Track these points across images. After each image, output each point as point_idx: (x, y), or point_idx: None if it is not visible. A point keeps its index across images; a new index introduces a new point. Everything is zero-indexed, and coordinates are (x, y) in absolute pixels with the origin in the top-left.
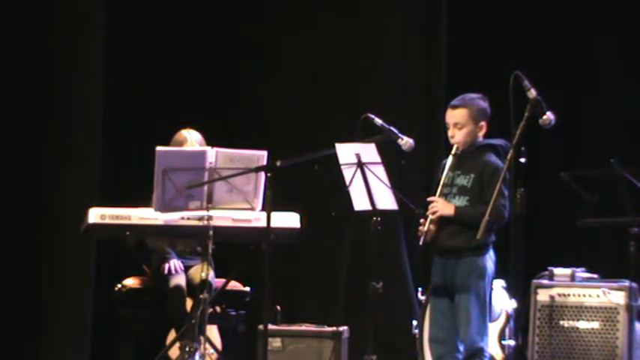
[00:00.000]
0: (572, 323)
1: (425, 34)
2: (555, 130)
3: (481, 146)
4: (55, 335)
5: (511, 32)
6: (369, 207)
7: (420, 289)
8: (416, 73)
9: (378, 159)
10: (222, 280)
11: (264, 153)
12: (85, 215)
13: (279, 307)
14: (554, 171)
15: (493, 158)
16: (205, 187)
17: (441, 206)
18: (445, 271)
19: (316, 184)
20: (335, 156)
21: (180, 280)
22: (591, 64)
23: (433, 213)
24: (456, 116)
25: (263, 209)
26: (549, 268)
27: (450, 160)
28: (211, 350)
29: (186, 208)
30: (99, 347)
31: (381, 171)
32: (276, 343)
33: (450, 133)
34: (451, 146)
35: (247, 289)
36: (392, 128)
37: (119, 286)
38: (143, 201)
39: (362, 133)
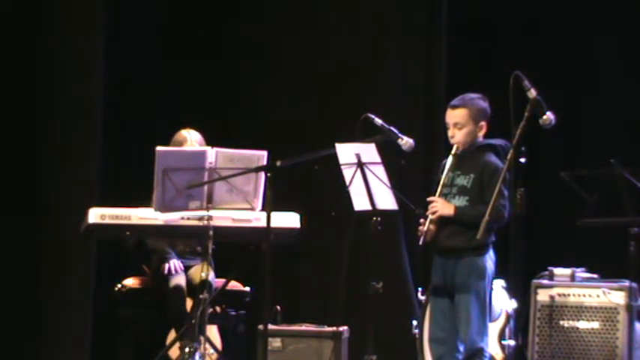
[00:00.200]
0: (572, 323)
1: (425, 34)
2: (555, 130)
3: (481, 146)
4: (55, 335)
5: (511, 32)
6: (369, 207)
7: (420, 289)
8: (416, 73)
9: (378, 159)
10: (222, 280)
11: (264, 153)
12: (85, 215)
13: (279, 307)
14: (554, 171)
15: (493, 158)
16: (205, 187)
17: (440, 206)
18: (445, 271)
19: (316, 184)
20: (335, 156)
21: (180, 280)
22: (591, 64)
23: (433, 213)
24: (455, 116)
25: (263, 209)
26: (549, 268)
27: (450, 160)
28: (211, 350)
29: (186, 208)
30: (99, 347)
31: (381, 171)
32: (276, 343)
33: (450, 133)
34: (451, 146)
35: (247, 289)
36: (392, 128)
37: (119, 286)
38: (143, 201)
39: (362, 133)
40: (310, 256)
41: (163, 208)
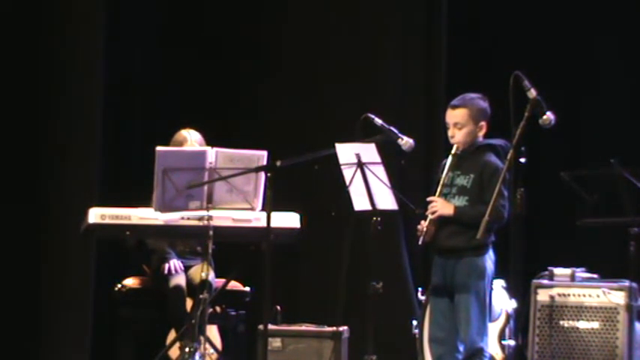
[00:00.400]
0: (572, 323)
1: (425, 34)
2: (555, 130)
3: (481, 146)
4: (55, 335)
5: (511, 32)
6: (369, 207)
7: (420, 289)
8: (416, 73)
9: (378, 159)
10: (222, 280)
11: (264, 153)
12: (85, 215)
13: (279, 307)
14: (554, 171)
15: (493, 158)
16: (205, 187)
17: (440, 206)
18: (445, 271)
19: (316, 184)
20: (335, 156)
21: (180, 280)
22: (591, 64)
23: (433, 213)
24: (456, 116)
25: (263, 209)
26: (549, 268)
27: (449, 160)
28: (211, 350)
29: (186, 208)
30: (99, 347)
31: (381, 171)
32: (276, 343)
33: (450, 133)
34: (451, 146)
35: (247, 289)
36: (392, 128)
37: (119, 286)
38: (143, 201)
39: (362, 133)
40: (310, 256)
41: (163, 208)
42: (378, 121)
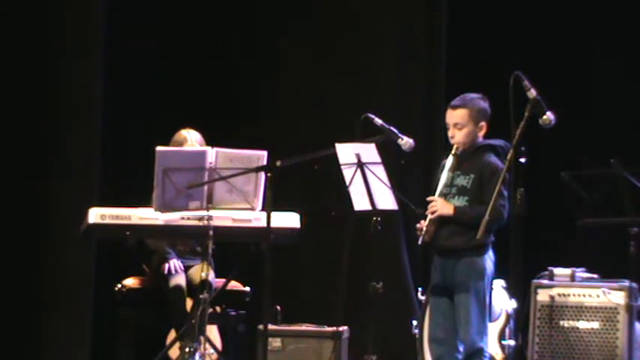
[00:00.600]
0: (572, 323)
1: (425, 34)
2: (555, 130)
3: (481, 146)
4: (55, 335)
5: (511, 32)
6: (369, 207)
7: (420, 289)
8: (416, 73)
9: (378, 159)
10: (222, 280)
11: (264, 153)
12: (85, 215)
13: (279, 307)
14: (554, 171)
15: (493, 159)
16: (205, 187)
17: (440, 206)
18: (445, 271)
19: (316, 184)
20: (335, 156)
21: (180, 280)
22: (591, 64)
23: (432, 213)
24: (456, 116)
25: (263, 209)
26: (549, 268)
27: (449, 160)
28: (211, 350)
29: (186, 208)
30: (99, 347)
31: (381, 171)
32: (276, 343)
33: (450, 133)
34: (451, 146)
35: (247, 289)
36: (392, 128)
37: (119, 286)
38: (143, 201)
39: (362, 133)
40: (310, 256)
41: (163, 208)
42: (378, 121)
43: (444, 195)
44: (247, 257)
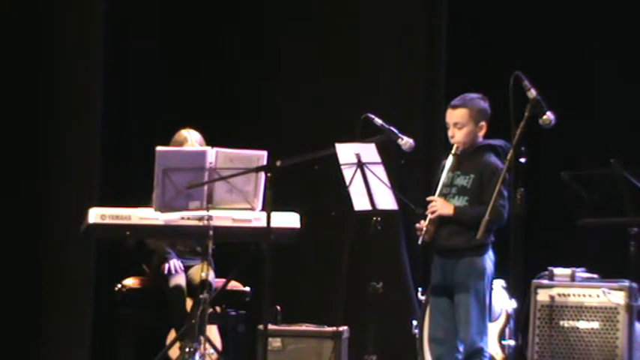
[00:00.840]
0: (572, 323)
1: (425, 34)
2: (555, 130)
3: (481, 146)
4: (56, 335)
5: (511, 32)
6: (369, 207)
7: (420, 289)
8: (416, 73)
9: (378, 159)
10: (222, 280)
11: (264, 153)
12: (85, 215)
13: (279, 307)
14: (554, 171)
15: (493, 159)
16: (205, 187)
17: (440, 206)
18: (444, 271)
19: (316, 184)
20: (335, 156)
21: (180, 280)
22: (591, 64)
23: (432, 213)
24: (456, 116)
25: (263, 209)
26: (549, 268)
27: (449, 160)
28: (211, 350)
29: (186, 208)
30: (99, 347)
31: (381, 171)
32: (276, 343)
33: (450, 133)
34: (451, 146)
35: (247, 289)
36: (392, 128)
37: (119, 286)
38: (143, 201)
39: (362, 133)
40: (310, 256)
41: (163, 208)
42: (378, 121)
43: (444, 195)
44: (247, 257)
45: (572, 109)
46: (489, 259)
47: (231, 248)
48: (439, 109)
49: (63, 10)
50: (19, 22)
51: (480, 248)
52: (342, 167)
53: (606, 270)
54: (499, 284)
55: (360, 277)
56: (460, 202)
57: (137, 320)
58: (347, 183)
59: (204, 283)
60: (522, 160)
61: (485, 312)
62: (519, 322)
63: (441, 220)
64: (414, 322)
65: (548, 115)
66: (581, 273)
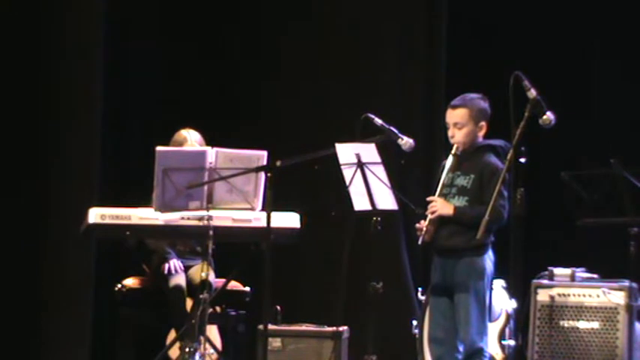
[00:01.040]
0: (572, 323)
1: (425, 34)
2: (555, 130)
3: (481, 147)
4: (56, 335)
5: (511, 32)
6: (369, 207)
7: (420, 289)
8: (416, 73)
9: (378, 159)
10: (222, 280)
11: (264, 153)
12: (85, 215)
13: (279, 307)
14: (554, 171)
15: (493, 159)
16: (205, 187)
17: (440, 206)
18: (444, 271)
19: (316, 184)
20: (335, 156)
21: (180, 280)
22: (591, 64)
23: (432, 213)
24: (456, 116)
25: (263, 209)
26: (549, 268)
27: (450, 160)
28: (211, 350)
29: (186, 208)
30: (99, 347)
31: (381, 171)
32: (276, 343)
33: (450, 133)
34: (451, 146)
35: (247, 289)
36: (392, 128)
37: (119, 286)
38: (143, 201)
39: (362, 133)
40: (310, 256)
41: (163, 208)
42: (378, 121)
43: (444, 195)
44: (247, 257)
45: (572, 109)
46: (489, 259)
47: (231, 248)
48: (439, 109)
49: (63, 10)
50: (19, 22)
51: (479, 248)
52: (342, 167)
53: (606, 270)
54: (499, 284)
55: (360, 277)
56: (460, 202)
57: (137, 320)
58: (347, 183)
59: (204, 283)
60: (522, 160)
61: (485, 312)
62: (519, 322)
63: (441, 220)
64: (414, 322)
65: (548, 115)
66: (581, 273)
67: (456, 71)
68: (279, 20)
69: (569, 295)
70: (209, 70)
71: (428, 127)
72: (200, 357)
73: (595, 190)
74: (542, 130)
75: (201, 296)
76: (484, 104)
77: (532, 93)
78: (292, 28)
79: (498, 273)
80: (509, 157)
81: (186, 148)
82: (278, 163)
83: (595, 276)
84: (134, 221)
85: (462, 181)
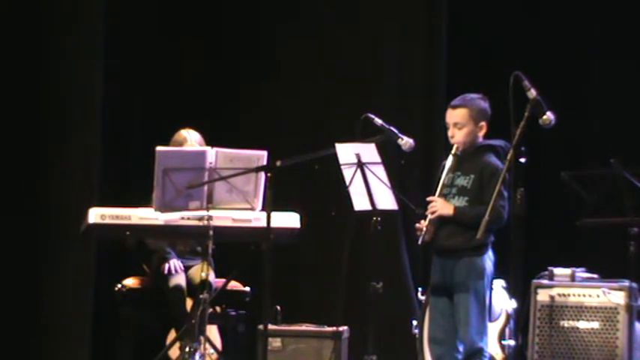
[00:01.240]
0: (572, 323)
1: (425, 33)
2: (555, 130)
3: (481, 147)
4: (56, 335)
5: (511, 32)
6: (369, 207)
7: (420, 289)
8: (416, 73)
9: (378, 159)
10: (222, 280)
11: (264, 153)
12: (85, 215)
13: (279, 307)
14: (554, 171)
15: (493, 159)
16: (205, 187)
17: (440, 206)
18: (444, 271)
19: (316, 184)
20: (335, 156)
21: (180, 280)
22: (591, 64)
23: (432, 213)
24: (456, 116)
25: (263, 209)
26: (549, 268)
27: (449, 160)
28: (211, 350)
29: (186, 208)
30: (99, 347)
31: (381, 171)
32: (276, 343)
33: (450, 133)
34: (451, 146)
35: (247, 289)
36: (392, 128)
37: (119, 286)
38: (143, 201)
39: (362, 133)
40: (310, 256)
41: (163, 208)
42: (378, 121)
43: (444, 195)
44: (247, 257)
45: (572, 109)
46: (489, 259)
47: (231, 248)
48: (439, 109)
49: (63, 10)
50: (19, 22)
51: (479, 248)
52: (342, 167)
53: (606, 270)
54: (499, 284)
55: (360, 277)
56: (460, 202)
57: (137, 320)
58: (347, 183)
59: (204, 283)
60: (522, 160)
61: (485, 312)
62: (519, 322)
63: (440, 221)
64: (414, 322)
65: (548, 115)
66: (581, 273)
67: (456, 71)
68: (279, 20)
69: (569, 295)
70: (209, 70)
71: (428, 127)
72: (200, 357)
73: (595, 190)
74: (542, 130)
75: (201, 296)
76: (484, 104)
77: (532, 93)
78: (292, 28)
79: (498, 273)
80: (509, 157)
81: (186, 148)
82: (278, 163)
83: (595, 276)
84: (134, 221)
85: (462, 181)
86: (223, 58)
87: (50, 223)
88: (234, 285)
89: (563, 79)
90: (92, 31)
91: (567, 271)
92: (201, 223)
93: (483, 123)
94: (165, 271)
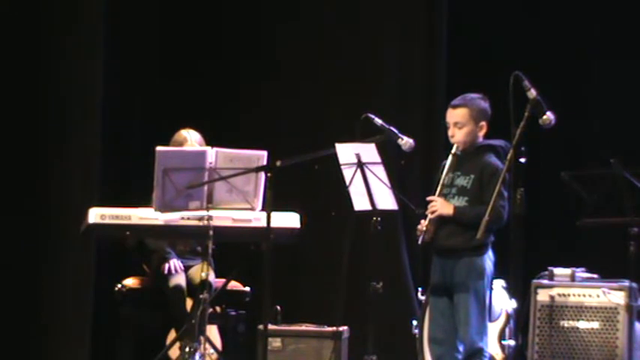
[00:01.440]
0: (572, 323)
1: (425, 34)
2: (555, 130)
3: (481, 147)
4: (56, 335)
5: (511, 32)
6: (369, 207)
7: (420, 289)
8: (416, 73)
9: (378, 159)
10: (222, 280)
11: (264, 153)
12: (85, 215)
13: (279, 307)
14: (554, 171)
15: (493, 159)
16: (205, 187)
17: (440, 206)
18: (444, 271)
19: (316, 184)
20: (335, 156)
21: (180, 280)
22: (591, 64)
23: (432, 213)
24: (456, 116)
25: (263, 209)
26: (549, 268)
27: (449, 160)
28: (211, 350)
29: (186, 208)
30: (99, 347)
31: (381, 171)
32: (276, 343)
33: (450, 132)
34: (451, 146)
35: (247, 289)
36: (392, 128)
37: (119, 286)
38: (143, 201)
39: (362, 133)
40: (310, 256)
41: (163, 208)
42: (378, 121)
43: (444, 195)
44: (247, 257)
45: (572, 109)
46: (489, 259)
47: (231, 248)
48: (439, 109)
49: (63, 10)
50: (19, 22)
51: (479, 248)
52: (342, 167)
53: (606, 270)
54: (499, 284)
55: (360, 277)
56: (460, 202)
57: (137, 320)
58: (347, 183)
59: (204, 283)
60: (522, 160)
61: (485, 312)
62: (519, 322)
63: (440, 220)
64: (414, 322)
65: (548, 115)
66: (581, 273)
67: (456, 71)
68: (279, 20)
69: (569, 295)
70: (209, 70)
71: (428, 127)
72: (200, 357)
73: (595, 190)
74: (542, 130)
75: (201, 296)
76: (484, 104)
77: (532, 93)
78: (292, 28)
79: (498, 273)
80: (509, 157)
81: (186, 148)
82: (278, 163)
83: (595, 276)
84: (134, 221)
85: (461, 181)
86: (223, 58)
87: (50, 223)
88: (234, 285)
89: (563, 79)
90: (92, 31)
91: (567, 271)
92: (201, 223)
93: (483, 123)
94: (165, 271)
